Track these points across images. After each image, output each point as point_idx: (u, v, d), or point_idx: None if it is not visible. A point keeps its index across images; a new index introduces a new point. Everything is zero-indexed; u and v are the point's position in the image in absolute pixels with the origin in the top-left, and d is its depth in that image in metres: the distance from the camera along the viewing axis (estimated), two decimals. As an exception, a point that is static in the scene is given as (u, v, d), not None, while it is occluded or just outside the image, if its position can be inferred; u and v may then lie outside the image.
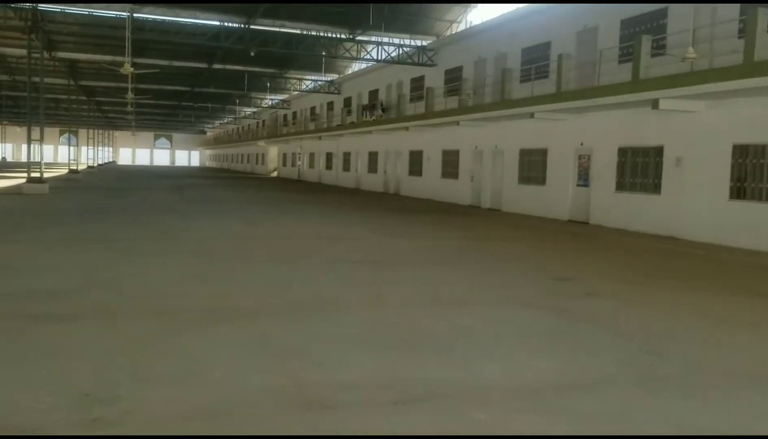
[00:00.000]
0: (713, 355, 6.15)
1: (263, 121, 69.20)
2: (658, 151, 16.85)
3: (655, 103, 15.25)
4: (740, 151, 14.56)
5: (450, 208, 24.59)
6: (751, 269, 11.61)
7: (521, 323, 7.16)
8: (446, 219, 20.43)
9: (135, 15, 27.79)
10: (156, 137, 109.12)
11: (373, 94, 38.40)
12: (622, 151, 18.15)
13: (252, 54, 31.09)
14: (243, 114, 73.39)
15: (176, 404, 4.49)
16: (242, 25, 28.97)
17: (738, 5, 14.77)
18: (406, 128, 30.02)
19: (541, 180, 21.74)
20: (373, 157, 37.70)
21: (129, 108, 55.14)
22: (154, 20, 29.32)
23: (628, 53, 17.38)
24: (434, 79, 30.26)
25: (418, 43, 31.77)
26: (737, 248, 14.03)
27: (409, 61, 30.98)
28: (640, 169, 17.52)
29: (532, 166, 22.27)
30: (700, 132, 15.53)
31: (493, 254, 12.85)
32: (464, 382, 5.16)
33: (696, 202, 15.53)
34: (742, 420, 4.54)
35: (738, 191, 14.59)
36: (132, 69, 27.35)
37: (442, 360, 5.66)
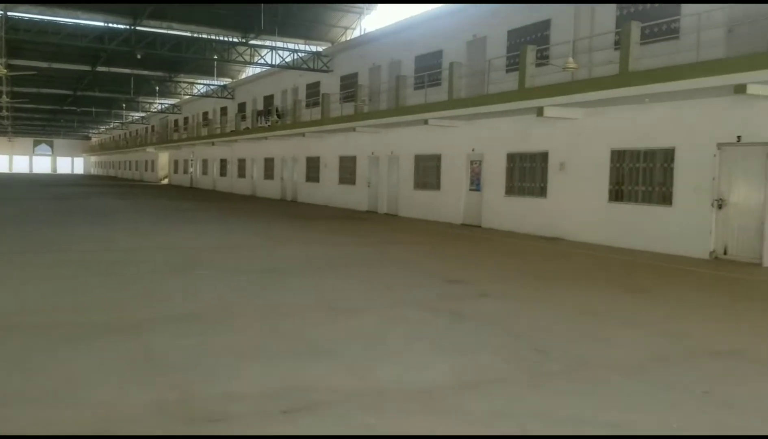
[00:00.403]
0: (596, 349, 6.44)
1: (152, 126, 66.59)
2: (544, 156, 17.62)
3: (540, 111, 15.94)
4: (618, 156, 15.48)
5: (347, 215, 24.61)
6: (629, 267, 12.33)
7: (415, 326, 7.21)
8: (343, 225, 20.42)
9: (9, 14, 26.00)
10: (36, 143, 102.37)
11: (269, 99, 37.87)
12: (511, 157, 18.84)
13: (139, 57, 29.86)
14: (131, 119, 70.29)
15: (52, 425, 4.16)
16: (128, 27, 27.73)
17: (614, 19, 15.73)
18: (303, 134, 29.81)
19: (435, 185, 22.18)
20: (269, 163, 37.16)
21: (4, 112, 51.43)
22: (30, 20, 27.54)
23: (515, 63, 18.08)
24: (330, 85, 30.24)
25: (314, 48, 31.66)
26: (617, 247, 14.87)
27: (305, 66, 30.79)
28: (528, 173, 18.26)
29: (427, 172, 22.69)
30: (581, 138, 16.38)
31: (389, 259, 12.94)
32: (356, 387, 5.11)
33: (579, 204, 16.35)
34: (623, 411, 4.76)
35: (616, 194, 15.49)
36: (5, 70, 25.53)
37: (335, 366, 5.58)
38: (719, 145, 13.15)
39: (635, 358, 6.15)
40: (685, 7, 13.90)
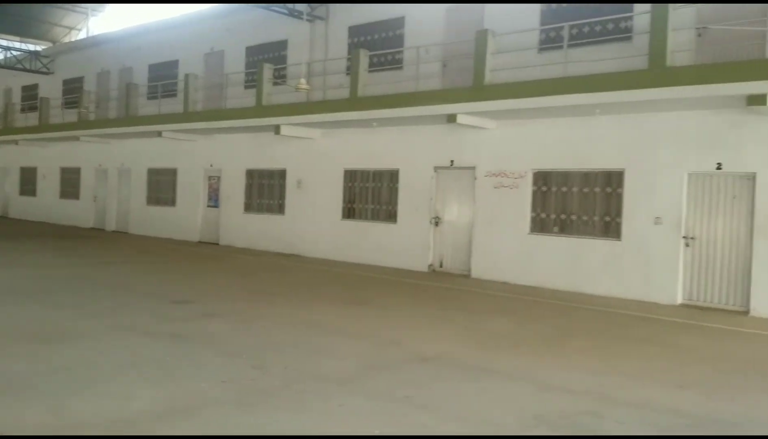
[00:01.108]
0: (315, 362, 6.49)
1: None
2: (282, 174, 17.79)
3: (277, 129, 16.07)
4: (351, 176, 16.21)
5: (69, 232, 22.24)
6: (358, 281, 12.88)
7: (130, 353, 6.61)
8: (61, 244, 18.37)
9: None
10: None
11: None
12: (250, 173, 18.70)
13: None
14: None
15: None
16: None
17: (346, 45, 16.51)
18: (16, 142, 26.35)
19: (171, 201, 21.12)
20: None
21: None
22: None
23: (253, 79, 18.02)
24: (50, 88, 27.22)
25: (31, 47, 28.29)
26: (350, 262, 15.51)
27: (19, 66, 27.34)
28: (267, 190, 18.27)
29: (162, 187, 21.52)
30: (317, 157, 16.84)
31: (110, 280, 11.87)
32: (48, 424, 4.47)
33: (315, 221, 16.76)
34: (329, 422, 4.81)
35: (349, 211, 16.19)
36: None
37: (31, 403, 4.85)
38: (436, 168, 14.46)
39: (350, 368, 6.33)
40: (408, 40, 15.11)
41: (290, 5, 16.90)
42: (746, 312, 10.33)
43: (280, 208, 17.85)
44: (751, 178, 10.40)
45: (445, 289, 12.20)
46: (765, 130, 10.21)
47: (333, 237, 16.34)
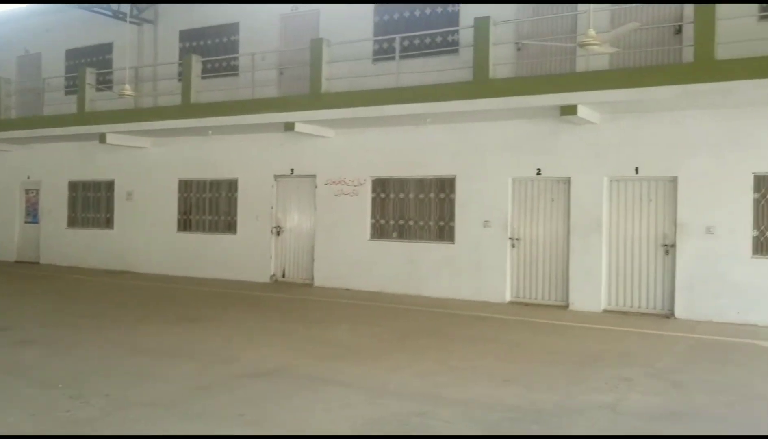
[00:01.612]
0: (140, 387, 6.07)
1: None
2: (110, 185, 16.67)
3: (102, 138, 15.03)
4: (186, 186, 15.53)
5: None
6: (196, 297, 12.33)
7: None
8: None
9: None
10: None
11: None
12: (74, 185, 17.34)
13: None
14: None
15: None
16: None
17: (177, 50, 15.81)
18: None
19: (-19, 218, 19.02)
20: None
21: None
22: None
23: (75, 84, 16.71)
24: None
25: None
26: (187, 277, 14.82)
27: None
28: (93, 203, 17.03)
29: (-30, 202, 19.31)
30: (149, 167, 15.96)
31: None
32: None
33: (148, 235, 15.86)
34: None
35: (185, 223, 15.51)
36: None
37: None
38: (276, 177, 14.26)
39: (180, 390, 5.98)
40: (243, 46, 14.78)
41: (114, 7, 15.90)
42: (566, 306, 11.19)
43: (108, 222, 16.71)
44: (567, 182, 11.29)
45: (287, 299, 12.04)
46: (577, 138, 11.14)
47: (168, 251, 15.56)
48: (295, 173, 14.00)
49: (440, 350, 7.94)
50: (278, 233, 14.27)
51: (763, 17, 9.98)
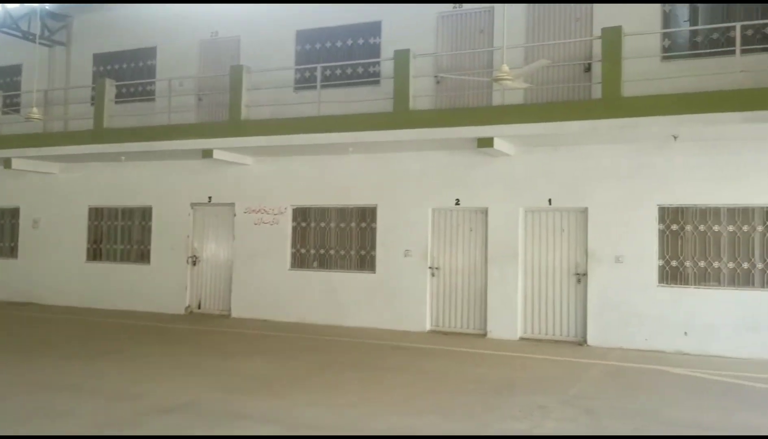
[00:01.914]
0: (31, 429, 5.65)
1: None
2: (14, 212, 15.78)
3: (7, 163, 14.24)
4: (96, 214, 14.89)
5: None
6: (106, 329, 11.73)
7: None
8: None
9: None
10: None
11: None
12: (-26, 213, 16.30)
13: None
14: None
15: None
16: None
17: (90, 74, 15.26)
18: None
19: None
20: None
21: None
22: None
23: (-22, 106, 15.82)
24: None
25: None
26: (97, 308, 14.11)
27: None
28: (-5, 232, 16.06)
29: None
30: (58, 194, 15.21)
31: None
32: None
33: (55, 265, 15.04)
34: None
35: (95, 253, 14.83)
36: None
37: None
38: (193, 205, 13.87)
39: (79, 429, 5.61)
40: (160, 72, 14.40)
41: (24, 27, 15.22)
42: (485, 335, 11.31)
43: (12, 252, 15.77)
44: (484, 212, 11.51)
45: (202, 332, 11.63)
46: (494, 170, 11.39)
47: (78, 282, 14.78)
48: (213, 201, 13.67)
49: (358, 382, 7.82)
50: (194, 263, 13.84)
51: (665, 58, 10.60)
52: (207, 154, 12.38)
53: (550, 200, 11.05)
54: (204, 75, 14.00)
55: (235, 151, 12.61)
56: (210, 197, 13.69)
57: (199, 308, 13.77)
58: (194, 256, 13.84)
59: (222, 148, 12.32)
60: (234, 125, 12.15)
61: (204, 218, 13.88)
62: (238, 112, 12.16)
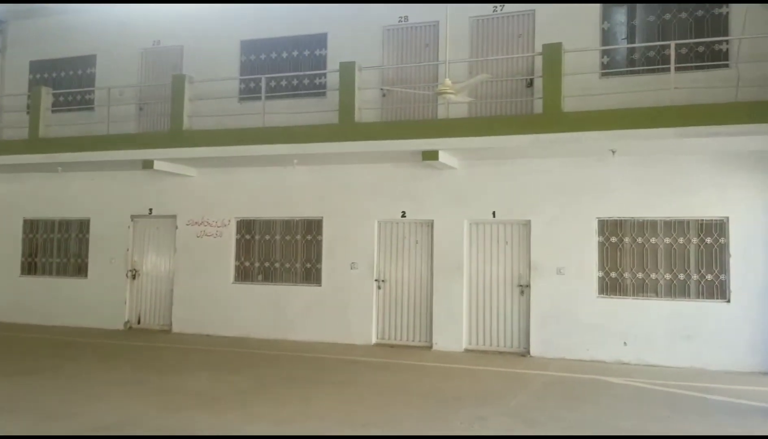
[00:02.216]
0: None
1: None
2: (-58, 225, 15.03)
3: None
4: (31, 226, 14.34)
5: None
6: (35, 344, 11.25)
7: None
8: None
9: None
10: None
11: None
12: None
13: None
14: None
15: None
16: None
17: (27, 82, 14.74)
18: None
19: None
20: None
21: None
22: None
23: None
24: None
25: None
26: (32, 324, 13.55)
27: None
28: None
29: None
30: (-9, 205, 14.62)
31: None
32: None
33: (-14, 280, 14.41)
34: None
35: (29, 267, 14.28)
36: None
37: None
38: (133, 217, 13.50)
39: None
40: (100, 80, 13.98)
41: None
42: (430, 347, 11.33)
43: (-61, 266, 15.02)
44: (430, 224, 11.56)
45: (142, 347, 11.29)
46: (440, 183, 11.46)
47: (10, 296, 14.17)
48: (154, 213, 13.33)
49: (301, 397, 7.69)
50: (134, 277, 13.45)
51: (604, 74, 10.89)
52: (147, 165, 12.09)
53: (494, 213, 11.17)
54: (145, 84, 13.68)
55: (177, 162, 12.35)
56: (151, 209, 13.35)
57: (139, 323, 13.38)
58: (134, 269, 13.46)
59: (163, 158, 12.04)
60: (175, 136, 11.89)
61: (145, 231, 13.52)
62: (180, 123, 11.92)
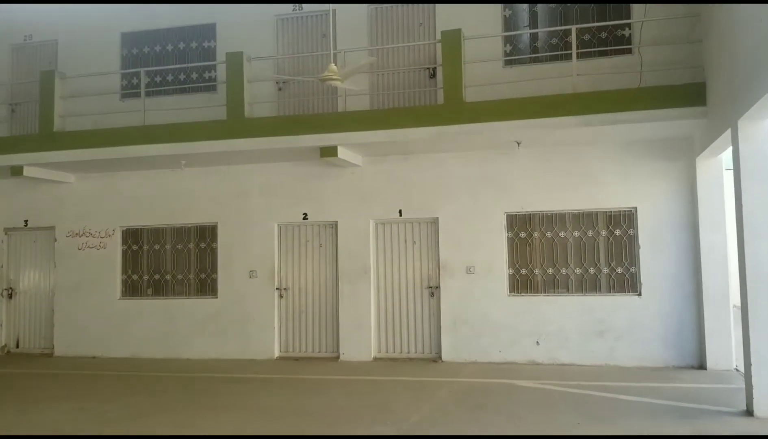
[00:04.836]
0: None
1: None
2: None
3: None
4: None
5: None
6: None
7: None
8: None
9: None
10: None
11: None
12: None
13: None
14: None
15: None
16: None
17: None
18: None
19: None
20: None
21: None
22: None
23: None
24: None
25: None
26: None
27: None
28: None
29: None
30: None
31: None
32: None
33: None
34: None
35: None
36: None
37: None
38: (6, 231, 12.16)
39: None
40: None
41: None
42: (338, 357, 10.56)
43: None
44: (334, 226, 10.80)
45: (16, 375, 10.04)
46: (343, 181, 10.72)
47: None
48: (30, 225, 12.02)
49: (177, 427, 6.77)
50: (10, 296, 12.10)
51: (507, 63, 10.40)
52: (16, 171, 10.81)
53: (400, 211, 10.53)
54: (17, 82, 12.33)
55: (51, 168, 11.11)
56: (26, 221, 12.03)
57: (18, 347, 12.04)
58: (10, 288, 12.11)
59: (33, 164, 10.78)
60: (45, 138, 10.69)
61: (20, 245, 12.18)
62: (50, 123, 10.72)
